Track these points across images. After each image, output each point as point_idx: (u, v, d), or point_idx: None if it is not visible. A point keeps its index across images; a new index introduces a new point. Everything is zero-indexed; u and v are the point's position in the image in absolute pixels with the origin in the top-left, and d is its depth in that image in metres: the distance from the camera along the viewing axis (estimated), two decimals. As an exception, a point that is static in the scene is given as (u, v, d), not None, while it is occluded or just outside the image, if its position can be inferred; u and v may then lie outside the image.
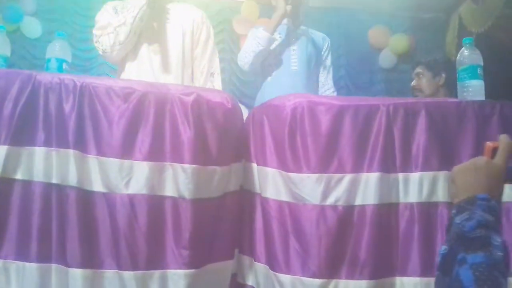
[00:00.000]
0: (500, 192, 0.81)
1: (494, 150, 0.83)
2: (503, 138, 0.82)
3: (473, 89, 1.61)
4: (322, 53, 2.53)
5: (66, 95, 1.28)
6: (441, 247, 0.76)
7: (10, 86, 1.27)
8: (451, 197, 0.84)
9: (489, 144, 0.84)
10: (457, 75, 1.68)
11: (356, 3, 4.21)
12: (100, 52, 2.06)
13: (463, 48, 1.67)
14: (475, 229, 0.72)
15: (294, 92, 2.26)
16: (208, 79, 2.20)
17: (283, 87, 2.35)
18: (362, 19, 4.58)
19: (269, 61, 2.40)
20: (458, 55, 1.68)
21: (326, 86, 2.53)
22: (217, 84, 2.22)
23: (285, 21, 2.39)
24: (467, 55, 1.65)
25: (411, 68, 3.00)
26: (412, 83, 2.78)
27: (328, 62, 2.57)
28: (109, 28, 2.03)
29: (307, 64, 2.43)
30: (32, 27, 4.30)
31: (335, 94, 2.55)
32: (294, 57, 2.40)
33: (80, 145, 1.28)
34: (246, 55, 2.37)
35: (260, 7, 4.36)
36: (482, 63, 1.64)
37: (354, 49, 4.74)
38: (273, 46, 2.36)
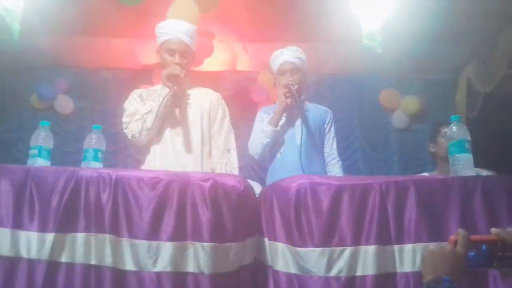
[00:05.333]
0: (460, 276, 0.99)
1: (456, 242, 1.01)
2: (461, 232, 1.02)
3: (463, 162, 1.78)
4: (325, 125, 2.73)
5: (103, 187, 1.52)
6: None
7: (57, 181, 1.52)
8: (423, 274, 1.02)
9: (451, 237, 1.03)
10: (448, 149, 1.86)
11: (366, 68, 4.45)
12: (129, 137, 2.31)
13: (451, 124, 1.86)
14: None
15: (302, 165, 2.48)
16: (225, 155, 2.42)
17: (291, 161, 2.55)
18: (373, 83, 4.81)
19: (277, 139, 2.62)
20: (448, 131, 1.86)
21: (331, 156, 2.71)
22: (234, 159, 2.44)
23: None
24: (456, 131, 1.83)
25: (435, 128, 2.95)
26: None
27: (332, 133, 2.75)
28: (136, 116, 2.29)
29: (312, 137, 2.63)
30: (65, 104, 4.61)
31: (339, 163, 2.72)
32: (298, 133, 2.60)
33: (115, 230, 1.49)
34: (255, 147, 2.62)
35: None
36: (469, 138, 1.82)
37: (367, 111, 4.93)
38: (279, 125, 2.59)
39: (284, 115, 2.63)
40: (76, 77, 4.71)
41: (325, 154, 2.71)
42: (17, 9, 2.66)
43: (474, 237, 1.04)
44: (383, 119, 4.96)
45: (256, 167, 4.68)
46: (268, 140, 2.56)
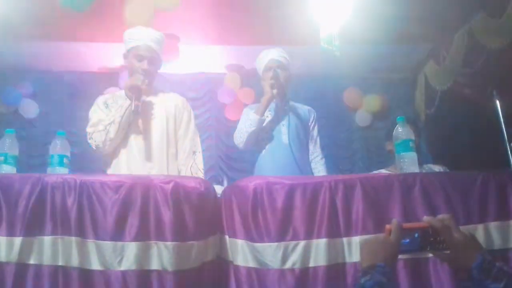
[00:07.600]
0: (394, 261, 1.11)
1: (390, 230, 1.14)
2: (394, 221, 1.14)
3: (408, 160, 1.94)
4: (309, 124, 2.85)
5: (69, 192, 1.59)
6: None
7: (23, 188, 1.58)
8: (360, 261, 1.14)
9: (387, 226, 1.15)
10: (395, 147, 2.00)
11: (328, 69, 4.60)
12: (94, 147, 2.35)
13: (397, 125, 2.00)
14: (372, 287, 1.03)
15: (287, 163, 2.60)
16: (191, 157, 2.50)
17: (276, 158, 2.67)
18: (336, 83, 4.97)
19: (262, 136, 2.72)
20: (394, 131, 2.00)
21: (315, 154, 2.83)
22: (199, 161, 2.52)
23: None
24: (401, 132, 1.98)
25: (390, 128, 3.12)
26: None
27: (315, 132, 2.87)
28: (99, 126, 2.32)
29: (296, 136, 2.74)
30: (29, 108, 4.59)
31: (323, 160, 2.83)
32: (284, 131, 2.72)
33: (81, 232, 1.57)
34: (240, 135, 2.70)
35: (242, 78, 4.75)
36: (413, 138, 1.97)
37: (331, 111, 5.06)
38: (265, 123, 2.69)
39: (271, 112, 2.73)
40: (40, 81, 4.69)
41: (309, 152, 2.82)
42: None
43: (406, 225, 1.16)
44: (347, 117, 5.12)
45: (224, 167, 4.79)
46: (253, 128, 2.64)
